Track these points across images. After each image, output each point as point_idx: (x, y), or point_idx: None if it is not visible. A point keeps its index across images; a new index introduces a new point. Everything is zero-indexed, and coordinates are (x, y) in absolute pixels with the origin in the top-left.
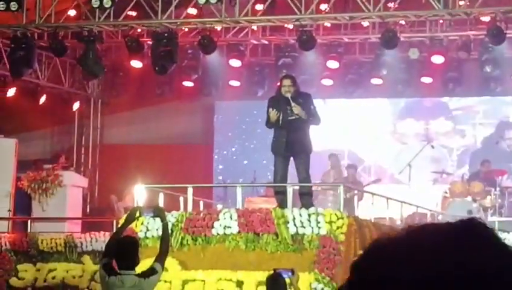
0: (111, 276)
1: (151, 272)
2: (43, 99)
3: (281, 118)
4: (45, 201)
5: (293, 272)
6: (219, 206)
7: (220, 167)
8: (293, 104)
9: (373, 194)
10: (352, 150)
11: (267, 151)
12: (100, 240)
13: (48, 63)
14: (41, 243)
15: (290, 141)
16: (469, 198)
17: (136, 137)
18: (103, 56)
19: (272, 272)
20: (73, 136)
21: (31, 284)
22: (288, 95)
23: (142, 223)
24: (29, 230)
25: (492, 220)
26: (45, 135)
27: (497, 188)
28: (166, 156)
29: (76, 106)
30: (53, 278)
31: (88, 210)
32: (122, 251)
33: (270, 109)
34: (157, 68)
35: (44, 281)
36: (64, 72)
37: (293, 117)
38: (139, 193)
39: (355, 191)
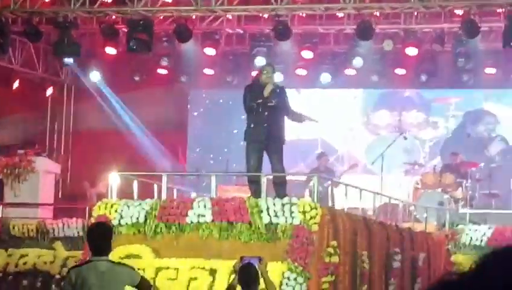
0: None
1: (129, 266)
2: (16, 84)
3: (260, 105)
4: (17, 187)
5: (260, 260)
6: (193, 195)
7: (194, 155)
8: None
9: (346, 185)
10: (325, 139)
11: (240, 140)
12: (72, 226)
13: (21, 48)
14: (13, 228)
15: (268, 129)
16: (440, 190)
17: (109, 124)
18: (78, 42)
19: (238, 260)
20: (47, 122)
21: (2, 270)
22: (270, 83)
23: (116, 211)
24: (0, 215)
25: (463, 211)
26: (18, 120)
27: (469, 180)
28: (140, 143)
29: (49, 91)
30: (24, 263)
31: (60, 196)
32: (94, 237)
33: (249, 95)
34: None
35: (16, 266)
36: (38, 58)
37: (273, 103)
38: (113, 180)
39: (329, 182)
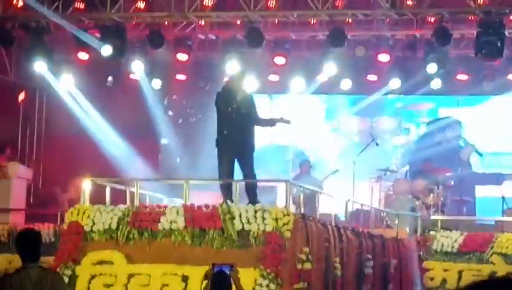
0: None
1: (58, 274)
2: None
3: (232, 112)
4: None
5: (232, 267)
6: (165, 201)
7: (166, 160)
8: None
9: (319, 192)
10: (297, 145)
11: (212, 146)
12: (44, 232)
13: None
14: None
15: (239, 136)
16: (412, 196)
17: (81, 129)
18: (50, 48)
19: (210, 267)
20: (18, 127)
21: None
22: (241, 90)
23: (88, 217)
24: None
25: (435, 218)
26: None
27: (440, 187)
28: (112, 149)
29: (21, 96)
30: None
31: (32, 201)
32: (25, 243)
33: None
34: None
35: None
36: (10, 63)
37: (244, 111)
38: (85, 186)
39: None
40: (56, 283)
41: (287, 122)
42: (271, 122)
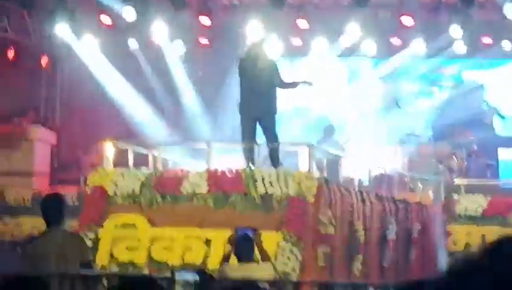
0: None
1: (84, 241)
2: (11, 52)
3: (253, 78)
4: (12, 155)
5: (255, 231)
6: (189, 165)
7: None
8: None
9: (340, 156)
10: (319, 109)
11: (235, 111)
12: (68, 195)
13: (16, 16)
14: (8, 197)
15: (261, 100)
16: (435, 160)
17: (104, 93)
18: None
19: (233, 231)
20: (41, 91)
21: None
22: (264, 55)
23: (111, 180)
24: None
25: (459, 182)
26: (13, 89)
27: (464, 151)
28: (136, 113)
29: (44, 60)
30: (20, 233)
31: (56, 165)
32: (49, 207)
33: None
34: None
35: (11, 235)
36: (33, 26)
37: (266, 76)
38: (108, 149)
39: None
40: (79, 246)
41: (310, 84)
42: (293, 85)
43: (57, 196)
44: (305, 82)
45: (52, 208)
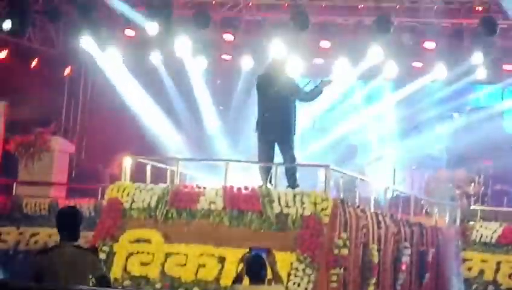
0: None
1: (95, 256)
2: (34, 62)
3: (272, 95)
4: (31, 165)
5: (269, 251)
6: (206, 181)
7: (208, 140)
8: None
9: (360, 178)
10: (339, 129)
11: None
12: (84, 206)
13: (41, 27)
14: (26, 206)
15: (279, 119)
16: (452, 185)
17: (125, 105)
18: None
19: (247, 251)
20: (63, 101)
21: (13, 247)
22: (284, 72)
23: (128, 194)
24: (13, 193)
25: (475, 208)
26: (36, 98)
27: (481, 176)
28: (156, 126)
29: (67, 70)
30: (35, 242)
31: (74, 176)
32: (64, 222)
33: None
34: None
35: (27, 244)
36: (57, 37)
37: (284, 94)
38: (126, 163)
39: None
40: (91, 263)
41: (329, 82)
42: (317, 92)
43: (73, 212)
44: (323, 83)
45: (66, 223)
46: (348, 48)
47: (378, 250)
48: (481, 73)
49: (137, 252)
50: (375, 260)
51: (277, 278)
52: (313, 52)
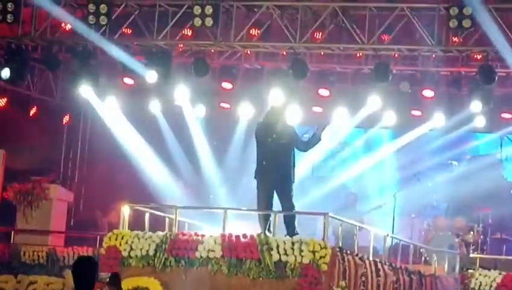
0: None
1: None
2: (33, 111)
3: (271, 143)
4: (30, 213)
5: None
6: (204, 229)
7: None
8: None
9: (359, 226)
10: (338, 177)
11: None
12: (83, 255)
13: (40, 76)
14: (24, 255)
15: (278, 167)
16: (451, 233)
17: (124, 154)
18: (96, 72)
19: None
20: (62, 150)
21: None
22: (283, 120)
23: (126, 242)
24: (11, 241)
25: (474, 256)
26: (34, 146)
27: (480, 225)
28: (154, 174)
29: (65, 119)
30: None
31: (72, 224)
32: (79, 273)
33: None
34: None
35: None
36: (55, 85)
37: (284, 142)
38: (125, 212)
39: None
40: None
41: (326, 125)
42: (315, 140)
43: (91, 263)
44: (321, 127)
45: (85, 275)
46: (347, 96)
47: None
48: (480, 121)
49: None
50: None
51: None
52: (311, 100)
